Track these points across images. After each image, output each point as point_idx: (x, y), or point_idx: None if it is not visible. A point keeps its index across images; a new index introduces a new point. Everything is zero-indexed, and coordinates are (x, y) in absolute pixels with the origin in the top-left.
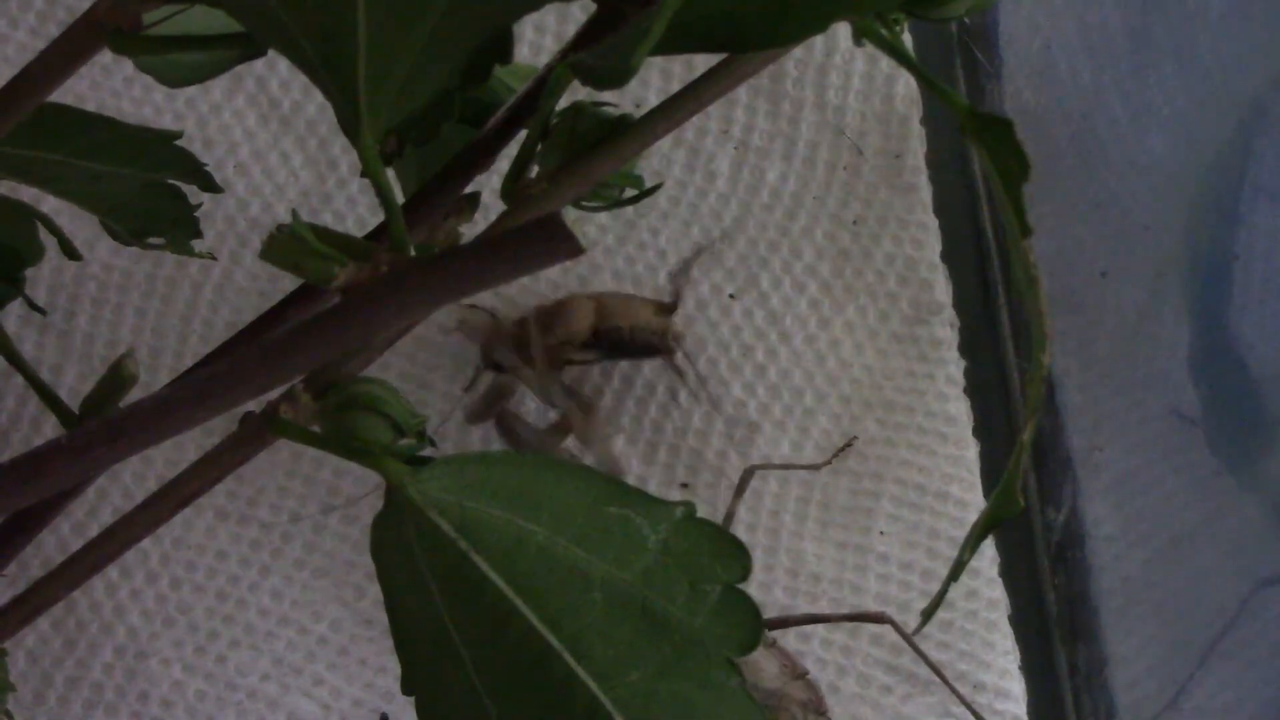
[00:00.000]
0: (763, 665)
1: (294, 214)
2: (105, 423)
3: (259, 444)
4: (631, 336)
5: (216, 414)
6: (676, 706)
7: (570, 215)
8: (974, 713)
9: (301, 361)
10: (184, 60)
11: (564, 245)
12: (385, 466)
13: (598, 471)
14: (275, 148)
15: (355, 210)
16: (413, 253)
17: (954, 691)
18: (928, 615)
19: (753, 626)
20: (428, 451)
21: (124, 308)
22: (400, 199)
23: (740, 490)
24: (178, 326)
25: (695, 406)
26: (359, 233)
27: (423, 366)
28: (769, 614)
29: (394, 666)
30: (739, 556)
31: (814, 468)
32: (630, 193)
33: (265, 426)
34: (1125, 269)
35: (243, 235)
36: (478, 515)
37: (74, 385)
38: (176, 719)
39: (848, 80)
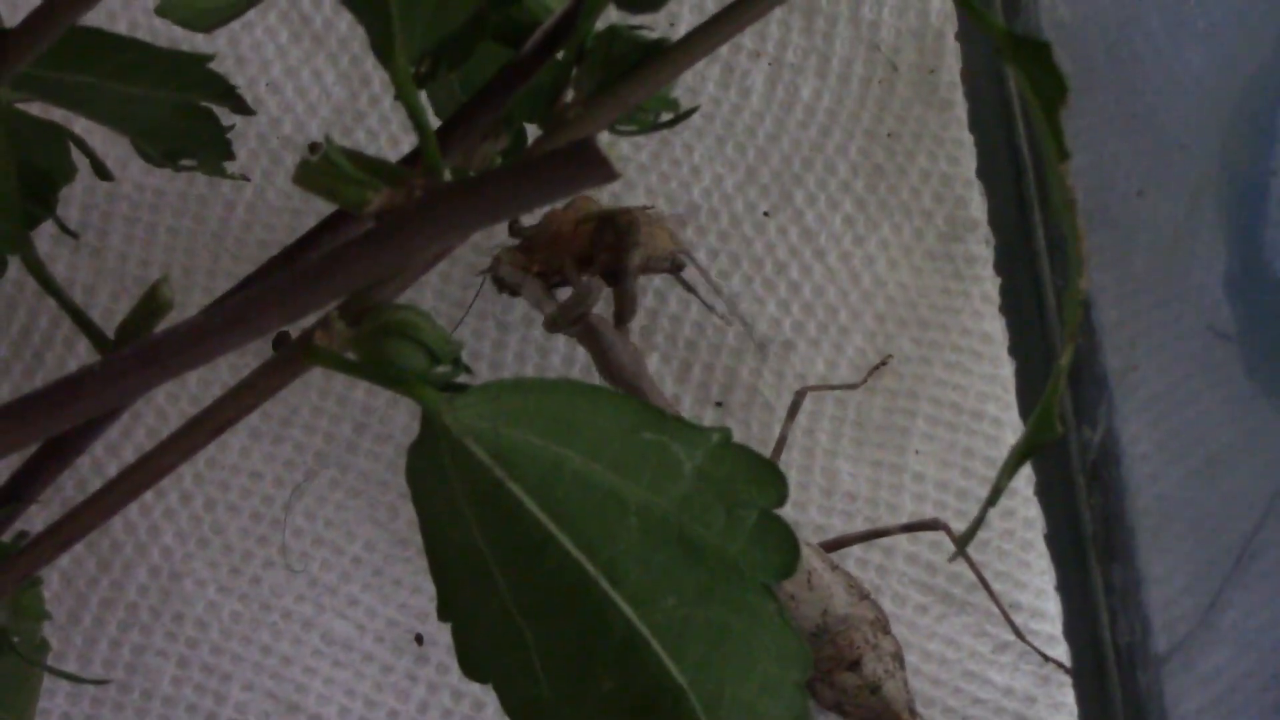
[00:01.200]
0: (834, 590)
1: (327, 138)
2: (139, 349)
3: (293, 371)
4: (646, 266)
5: (250, 340)
6: (713, 632)
7: (604, 139)
8: (1014, 628)
9: (335, 287)
10: (209, 4)
11: (598, 170)
12: (421, 394)
13: (634, 398)
14: (307, 65)
15: (389, 128)
16: (448, 176)
17: (997, 603)
18: (965, 539)
19: (789, 552)
20: (463, 378)
21: (157, 227)
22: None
23: (792, 413)
24: (211, 245)
25: (714, 317)
26: (392, 150)
27: (458, 286)
28: (804, 534)
29: (429, 587)
30: (775, 482)
31: (854, 387)
32: (666, 116)
33: (300, 354)
34: (1161, 186)
35: (275, 153)
36: (513, 442)
37: (107, 305)
38: (211, 640)
39: None
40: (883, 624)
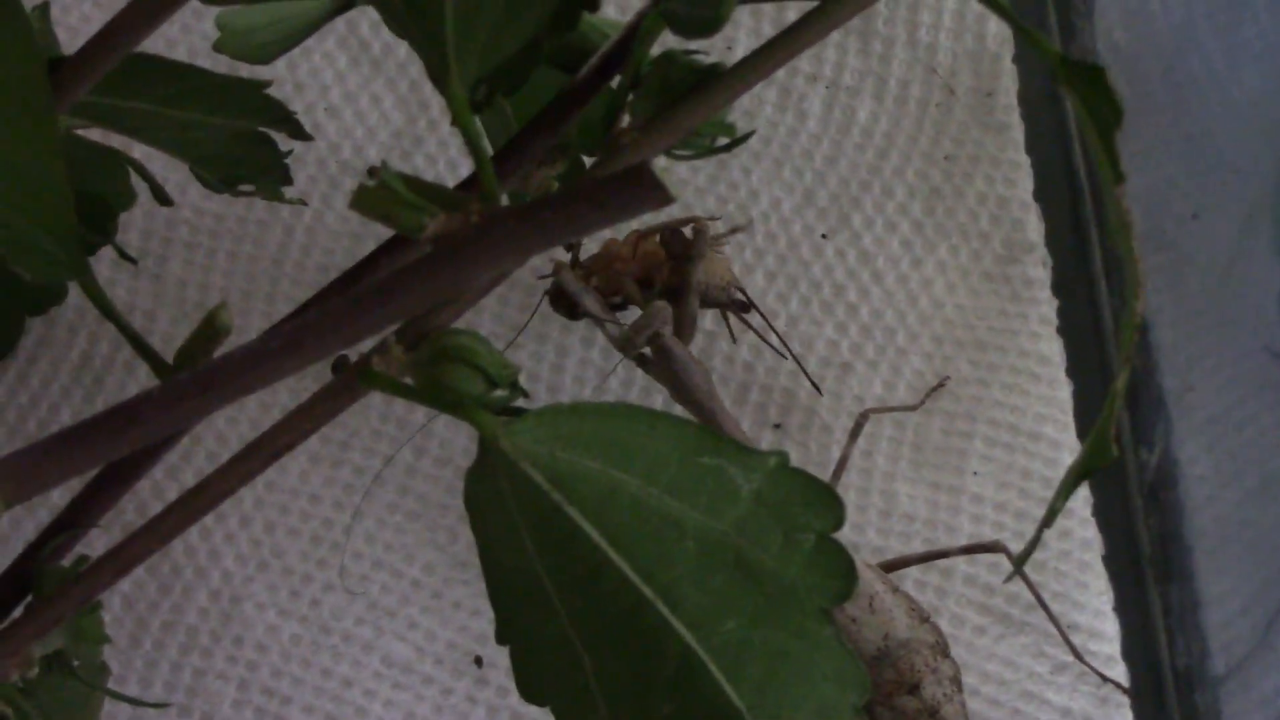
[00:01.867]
0: (895, 613)
1: (384, 164)
2: (197, 374)
3: (351, 396)
4: (705, 294)
5: (308, 365)
6: (770, 656)
7: (660, 164)
8: (1072, 648)
9: (392, 312)
10: (268, 37)
11: (653, 194)
12: (478, 419)
13: (691, 421)
14: (366, 90)
15: (447, 153)
16: (505, 201)
17: (1055, 624)
18: (1022, 559)
19: (846, 576)
20: (520, 402)
21: (216, 252)
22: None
23: (854, 435)
24: (270, 269)
25: (769, 349)
26: (451, 175)
27: (516, 308)
28: (862, 556)
29: (488, 610)
30: (832, 506)
31: (913, 409)
32: (722, 141)
33: (357, 379)
34: (1217, 207)
35: (334, 178)
36: (570, 466)
37: (167, 330)
38: (272, 663)
39: (939, 18)
40: (942, 647)
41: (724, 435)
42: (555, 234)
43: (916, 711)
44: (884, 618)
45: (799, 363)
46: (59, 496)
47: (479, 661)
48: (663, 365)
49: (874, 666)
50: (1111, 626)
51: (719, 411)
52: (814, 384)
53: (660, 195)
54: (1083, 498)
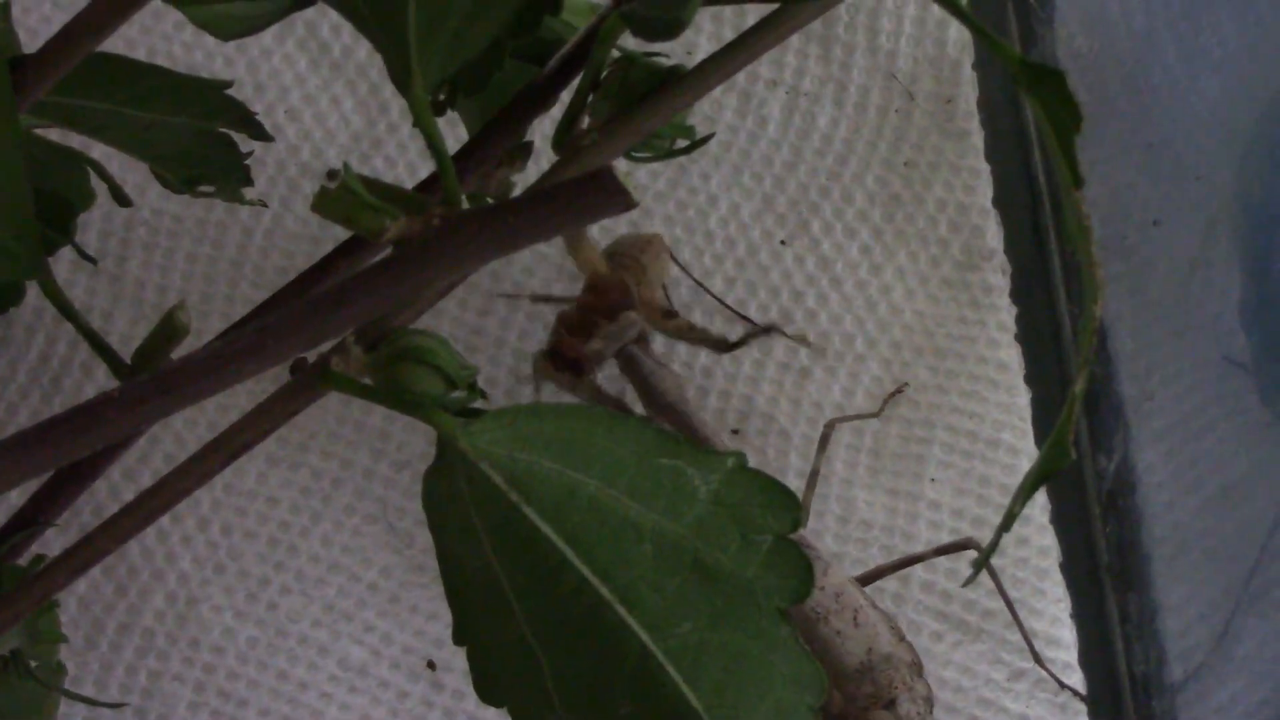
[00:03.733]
0: (879, 629)
1: (345, 166)
2: (157, 376)
3: (310, 396)
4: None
5: (268, 367)
6: (728, 657)
7: (622, 168)
8: (1034, 652)
9: (352, 315)
10: (235, 12)
11: (616, 199)
12: (436, 419)
13: (649, 423)
14: (326, 92)
15: (406, 155)
16: (465, 204)
17: (1020, 627)
18: (979, 566)
19: (803, 576)
20: (479, 404)
21: (175, 253)
22: (466, 136)
23: (822, 446)
24: (229, 271)
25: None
26: (409, 177)
27: (475, 312)
28: (841, 569)
29: (445, 613)
30: (790, 507)
31: (874, 416)
32: (682, 143)
33: (316, 379)
34: (1177, 215)
35: (293, 181)
36: (529, 467)
37: (125, 330)
38: (228, 665)
39: (899, 24)
40: (918, 667)
41: (698, 438)
42: (517, 238)
43: None
44: (869, 632)
45: (736, 312)
46: (16, 495)
47: (432, 665)
48: (631, 375)
49: (855, 679)
50: (1069, 634)
51: (692, 416)
52: (771, 328)
53: (623, 200)
54: (1041, 504)
